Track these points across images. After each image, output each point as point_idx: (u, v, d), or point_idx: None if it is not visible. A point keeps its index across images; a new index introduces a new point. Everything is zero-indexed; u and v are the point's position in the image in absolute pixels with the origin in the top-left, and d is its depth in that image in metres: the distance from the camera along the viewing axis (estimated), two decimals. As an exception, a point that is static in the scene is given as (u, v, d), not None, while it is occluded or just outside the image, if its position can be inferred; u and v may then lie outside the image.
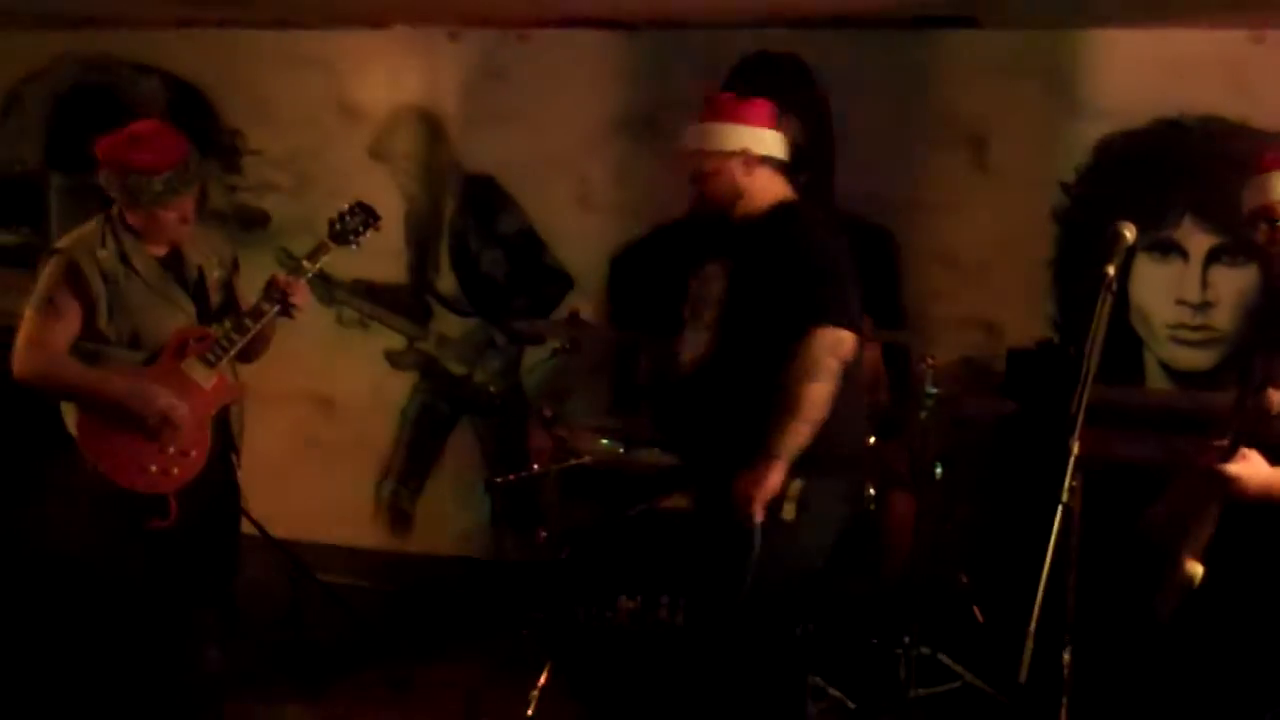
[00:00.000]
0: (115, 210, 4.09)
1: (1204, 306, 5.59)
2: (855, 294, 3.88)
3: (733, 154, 3.91)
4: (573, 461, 5.02)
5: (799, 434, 3.71)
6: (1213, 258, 5.56)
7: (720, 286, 3.91)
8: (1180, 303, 5.62)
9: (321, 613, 5.35)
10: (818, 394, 3.71)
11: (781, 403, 3.71)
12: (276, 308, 4.14)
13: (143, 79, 6.82)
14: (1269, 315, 3.88)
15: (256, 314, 4.14)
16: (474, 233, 6.46)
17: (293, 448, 6.57)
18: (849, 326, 3.78)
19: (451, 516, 6.51)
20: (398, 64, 6.44)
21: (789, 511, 3.78)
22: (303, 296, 4.19)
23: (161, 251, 4.12)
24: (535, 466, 5.27)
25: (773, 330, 3.77)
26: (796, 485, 3.77)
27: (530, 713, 4.71)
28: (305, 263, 4.24)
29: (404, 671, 5.12)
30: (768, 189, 3.98)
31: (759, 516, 3.70)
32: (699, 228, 4.08)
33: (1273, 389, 3.19)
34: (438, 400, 6.58)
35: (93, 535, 4.10)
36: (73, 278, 3.98)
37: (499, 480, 5.28)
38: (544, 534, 5.15)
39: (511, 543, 5.84)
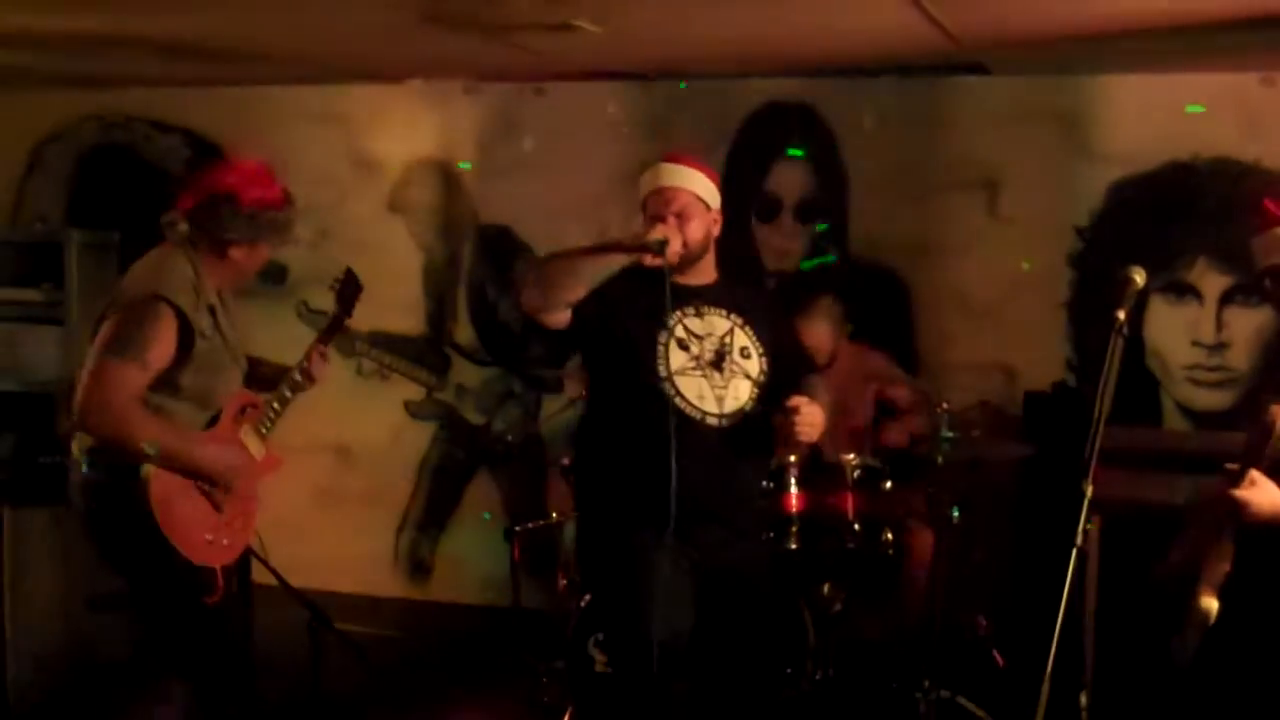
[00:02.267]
0: (194, 250, 3.86)
1: (1219, 347, 5.60)
2: None
3: (710, 209, 3.95)
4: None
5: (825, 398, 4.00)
6: (1227, 298, 5.58)
7: (746, 341, 3.93)
8: (1196, 344, 5.63)
9: (341, 662, 5.35)
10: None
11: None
12: (306, 380, 4.15)
13: (163, 137, 6.91)
14: None
15: (294, 386, 4.12)
16: (491, 282, 6.51)
17: (312, 498, 6.60)
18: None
19: (471, 565, 6.52)
20: (414, 118, 6.51)
21: None
22: (320, 370, 4.25)
23: (218, 300, 3.93)
24: (554, 515, 5.29)
25: (781, 384, 3.95)
26: None
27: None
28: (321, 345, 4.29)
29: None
30: (713, 256, 4.02)
31: None
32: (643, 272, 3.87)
33: (1276, 405, 3.20)
34: (457, 449, 6.61)
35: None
36: (176, 328, 3.72)
37: (518, 529, 5.29)
38: (564, 581, 5.16)
39: (531, 591, 5.85)
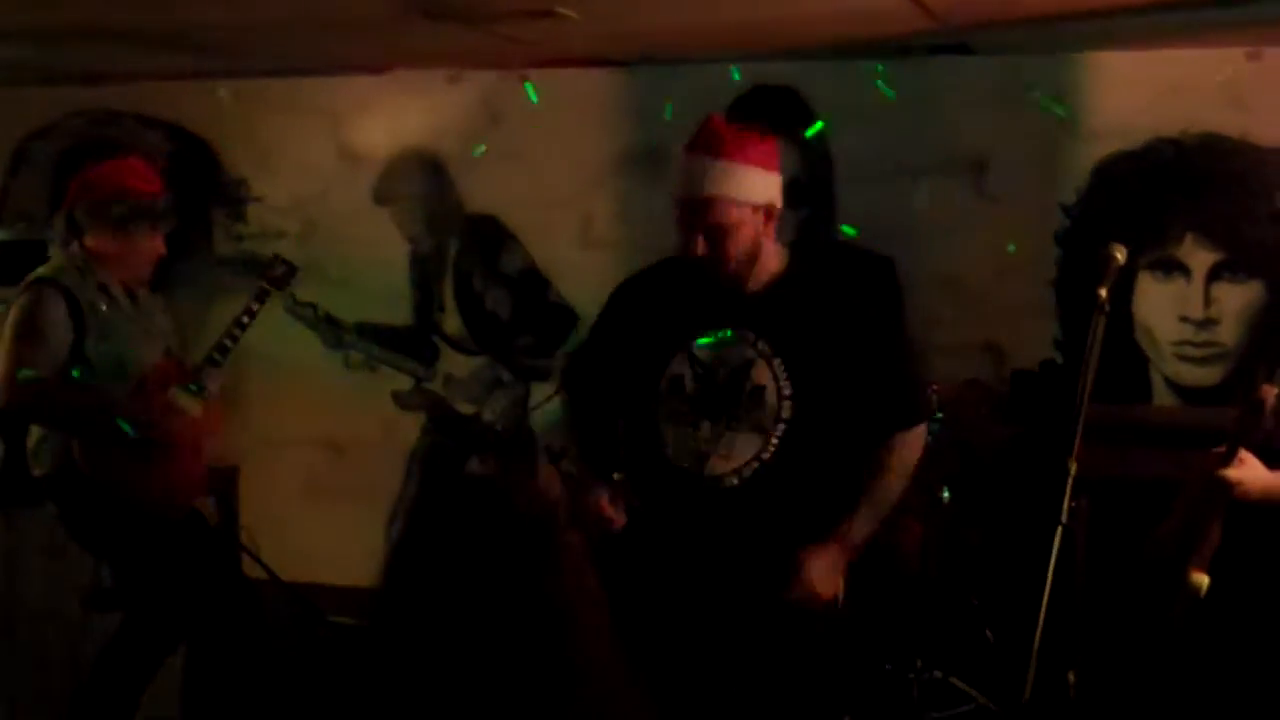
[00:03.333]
0: (80, 244, 4.16)
1: (1207, 323, 5.59)
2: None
3: (758, 206, 3.25)
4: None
5: (872, 530, 3.39)
6: (1215, 274, 5.56)
7: (765, 378, 3.24)
8: (1184, 320, 5.62)
9: (333, 654, 5.35)
10: (900, 493, 3.41)
11: (873, 494, 3.35)
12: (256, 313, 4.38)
13: (147, 132, 6.88)
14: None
15: (222, 349, 4.27)
16: (478, 272, 6.49)
17: (302, 491, 6.59)
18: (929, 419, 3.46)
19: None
20: (398, 108, 6.50)
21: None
22: None
23: (121, 285, 4.21)
24: (544, 503, 5.26)
25: (847, 433, 3.30)
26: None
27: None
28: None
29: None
30: (776, 252, 3.36)
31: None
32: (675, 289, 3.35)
33: (1266, 384, 3.19)
34: (445, 440, 6.60)
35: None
36: (63, 304, 4.01)
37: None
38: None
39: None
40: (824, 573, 3.27)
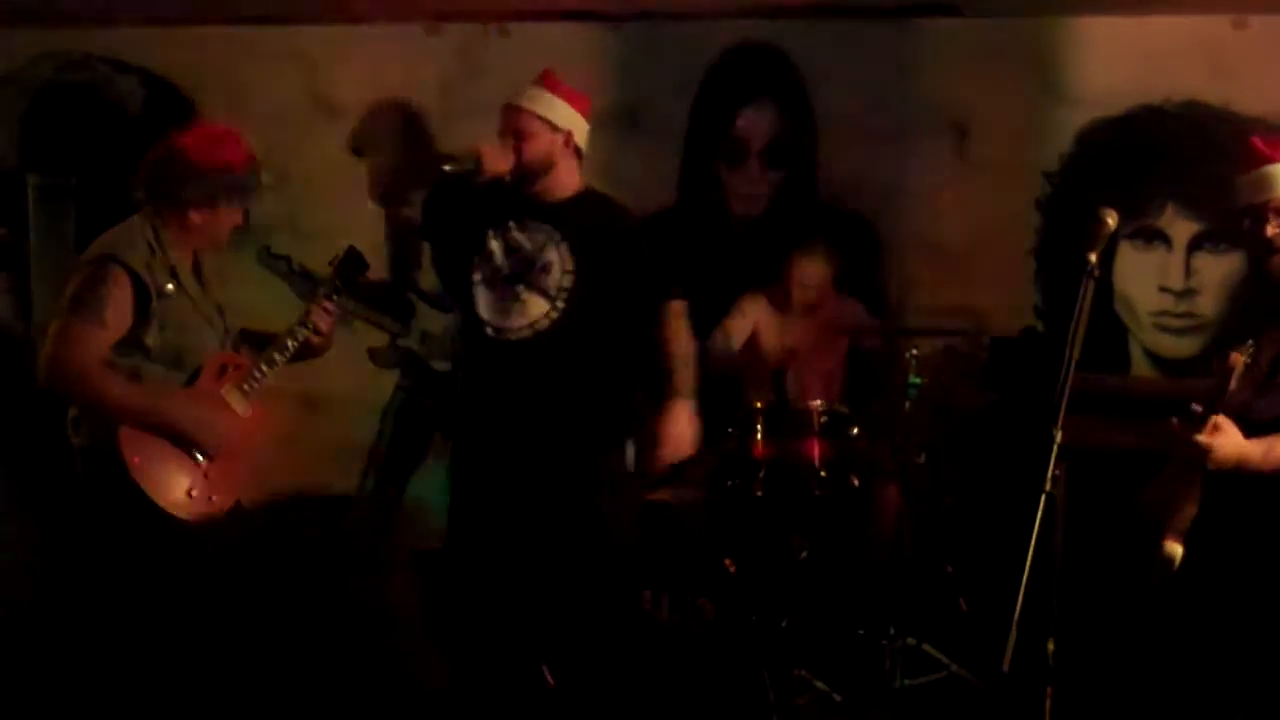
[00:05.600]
0: (153, 214, 3.88)
1: (1187, 293, 5.59)
2: None
3: (558, 129, 4.08)
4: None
5: (695, 380, 4.13)
6: (1195, 245, 5.57)
7: (559, 257, 4.05)
8: (1164, 290, 5.62)
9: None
10: (691, 348, 4.19)
11: (676, 356, 4.10)
12: (300, 343, 4.04)
13: (121, 77, 6.78)
14: (1257, 307, 3.85)
15: (283, 348, 4.06)
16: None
17: (276, 446, 6.52)
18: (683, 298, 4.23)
19: (435, 513, 6.47)
20: (376, 58, 6.41)
21: None
22: (328, 324, 4.12)
23: (190, 262, 3.96)
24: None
25: (623, 304, 4.10)
26: None
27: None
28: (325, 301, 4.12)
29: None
30: (574, 174, 4.17)
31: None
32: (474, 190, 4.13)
33: (1234, 352, 3.19)
34: (421, 396, 6.55)
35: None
36: (129, 287, 3.76)
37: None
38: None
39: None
40: (682, 426, 4.01)
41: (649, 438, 4.11)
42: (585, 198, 4.20)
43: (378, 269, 6.46)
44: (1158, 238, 5.60)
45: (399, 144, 6.42)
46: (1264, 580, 3.31)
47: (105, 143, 6.51)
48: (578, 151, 4.18)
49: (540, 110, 4.07)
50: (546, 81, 4.14)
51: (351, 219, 6.27)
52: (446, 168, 4.04)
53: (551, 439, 4.08)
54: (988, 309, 5.74)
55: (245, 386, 3.99)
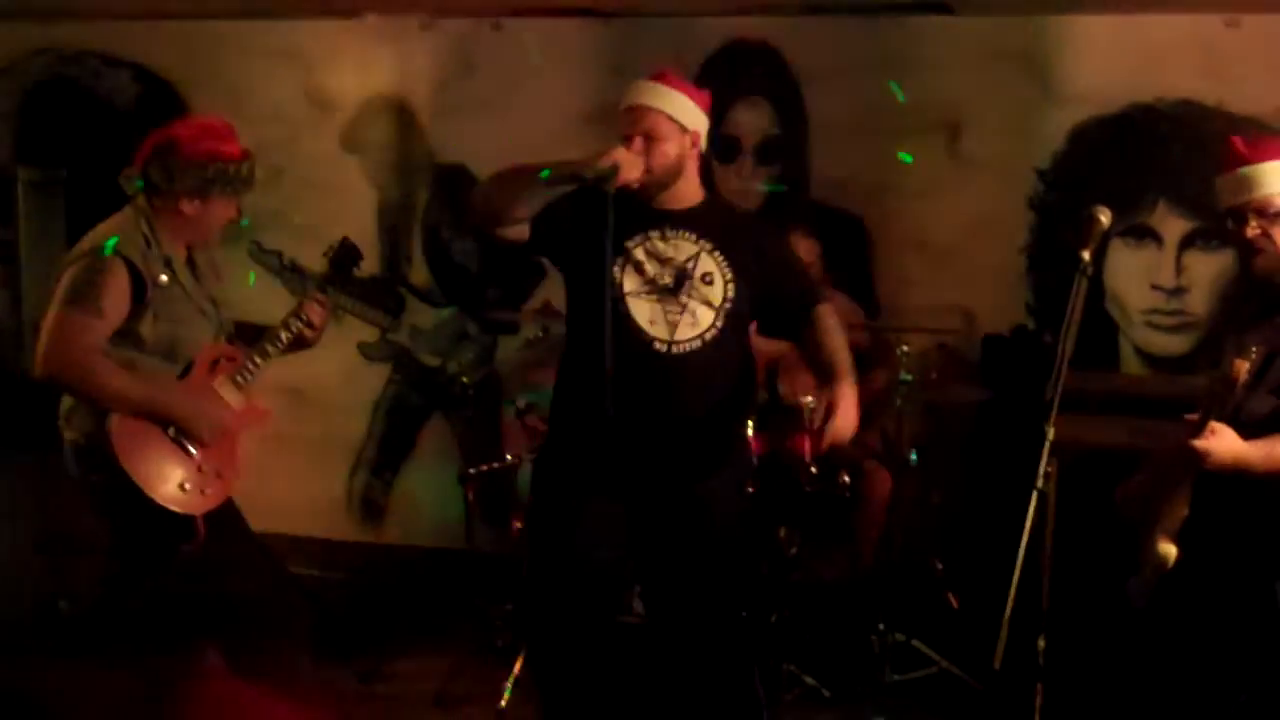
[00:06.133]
0: (146, 205, 3.89)
1: (1178, 291, 5.59)
2: None
3: (686, 131, 3.80)
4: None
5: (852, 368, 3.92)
6: (1187, 243, 5.56)
7: (716, 266, 3.80)
8: (1155, 288, 5.62)
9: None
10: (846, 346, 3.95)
11: (838, 350, 3.85)
12: (294, 336, 4.06)
13: (113, 72, 6.77)
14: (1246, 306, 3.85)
15: (276, 341, 4.06)
16: (446, 223, 6.43)
17: (264, 440, 6.50)
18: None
19: (425, 508, 6.47)
20: (369, 54, 6.40)
21: None
22: (321, 317, 4.15)
23: (183, 254, 3.96)
24: (509, 457, 5.24)
25: (776, 309, 3.98)
26: None
27: (503, 704, 4.70)
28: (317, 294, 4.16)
29: (374, 663, 5.09)
30: (697, 179, 3.91)
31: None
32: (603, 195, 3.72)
33: (1237, 359, 3.19)
34: (411, 392, 6.55)
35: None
36: (126, 279, 3.76)
37: (473, 471, 5.25)
38: (518, 525, 5.12)
39: (485, 534, 5.83)
40: (850, 408, 3.70)
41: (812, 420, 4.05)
42: (713, 203, 4.00)
43: (369, 264, 6.48)
44: (1149, 235, 5.60)
45: (392, 141, 6.41)
46: (1253, 578, 3.31)
47: (97, 137, 6.51)
48: (700, 154, 3.90)
49: (672, 110, 3.76)
50: (669, 79, 3.83)
51: (343, 214, 6.27)
52: (588, 175, 3.63)
53: (711, 444, 3.85)
54: (979, 306, 5.74)
55: (238, 379, 4.00)
